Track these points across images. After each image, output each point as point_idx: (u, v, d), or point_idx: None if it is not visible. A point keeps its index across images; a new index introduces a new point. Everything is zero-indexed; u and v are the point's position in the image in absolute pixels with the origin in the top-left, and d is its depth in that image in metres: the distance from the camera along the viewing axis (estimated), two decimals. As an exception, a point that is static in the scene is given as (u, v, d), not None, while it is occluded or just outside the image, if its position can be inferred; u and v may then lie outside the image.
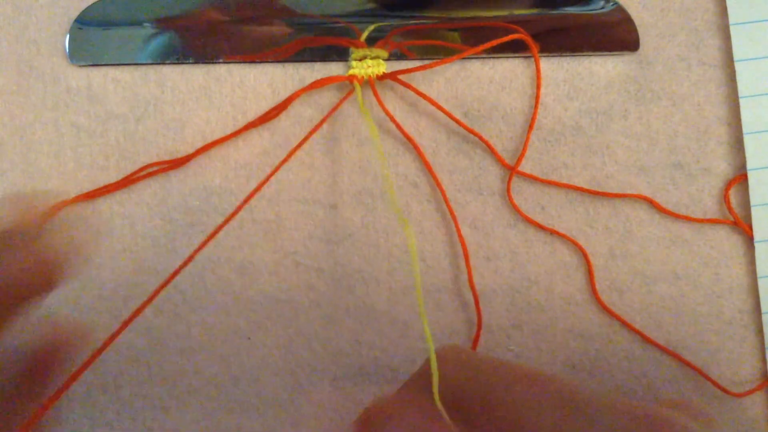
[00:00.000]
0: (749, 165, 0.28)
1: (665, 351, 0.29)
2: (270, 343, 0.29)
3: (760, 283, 0.28)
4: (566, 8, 0.28)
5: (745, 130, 0.28)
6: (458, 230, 0.28)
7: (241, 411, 0.29)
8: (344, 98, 0.28)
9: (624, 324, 0.29)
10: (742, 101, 0.27)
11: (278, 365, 0.29)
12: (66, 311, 0.29)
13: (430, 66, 0.27)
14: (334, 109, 0.28)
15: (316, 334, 0.29)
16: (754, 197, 0.28)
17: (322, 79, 0.28)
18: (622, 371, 0.29)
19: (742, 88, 0.27)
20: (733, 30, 0.27)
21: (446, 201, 0.28)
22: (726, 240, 0.29)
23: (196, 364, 0.29)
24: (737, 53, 0.27)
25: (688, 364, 0.28)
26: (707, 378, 0.28)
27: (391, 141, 0.29)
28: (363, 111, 0.27)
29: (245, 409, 0.29)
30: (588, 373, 0.29)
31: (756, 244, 0.28)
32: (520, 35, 0.27)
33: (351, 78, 0.28)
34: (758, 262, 0.28)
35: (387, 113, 0.28)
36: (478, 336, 0.28)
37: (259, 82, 0.28)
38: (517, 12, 0.28)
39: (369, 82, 0.28)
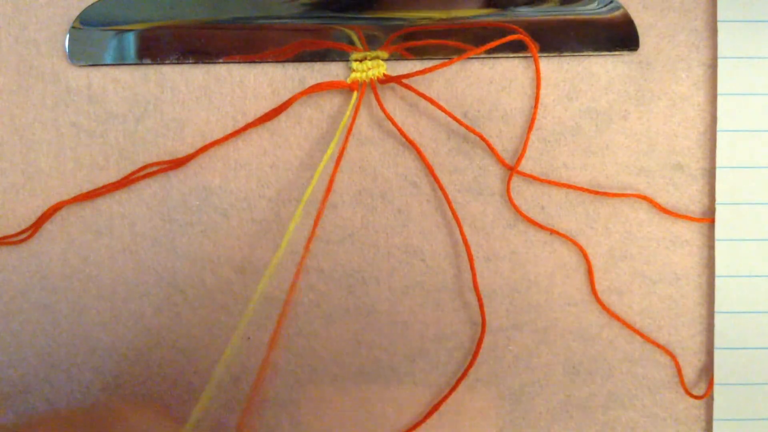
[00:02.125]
0: (719, 163, 0.28)
1: (665, 351, 0.29)
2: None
3: (717, 282, 0.28)
4: (567, 8, 0.28)
5: (719, 127, 0.27)
6: (462, 233, 0.28)
7: (242, 411, 0.29)
8: (353, 105, 0.28)
9: (624, 324, 0.29)
10: (720, 98, 0.27)
11: (278, 365, 0.29)
12: (66, 311, 0.29)
13: (431, 69, 0.27)
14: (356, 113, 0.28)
15: (316, 334, 0.29)
16: (721, 196, 0.28)
17: (321, 83, 0.28)
18: (622, 372, 0.29)
19: (722, 85, 0.27)
20: (720, 27, 0.27)
21: (449, 203, 0.28)
22: (726, 240, 0.28)
23: (196, 364, 0.29)
24: (722, 50, 0.27)
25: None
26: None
27: (392, 141, 0.29)
28: (342, 124, 0.28)
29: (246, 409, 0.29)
30: (588, 373, 0.29)
31: (716, 243, 0.28)
32: (520, 36, 0.27)
33: (351, 86, 0.28)
34: (717, 261, 0.28)
35: (388, 116, 0.28)
36: (481, 339, 0.28)
37: (259, 82, 0.28)
38: (516, 12, 0.28)
39: (370, 85, 0.28)
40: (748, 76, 0.27)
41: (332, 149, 0.28)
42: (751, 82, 0.27)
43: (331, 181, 0.27)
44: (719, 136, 0.27)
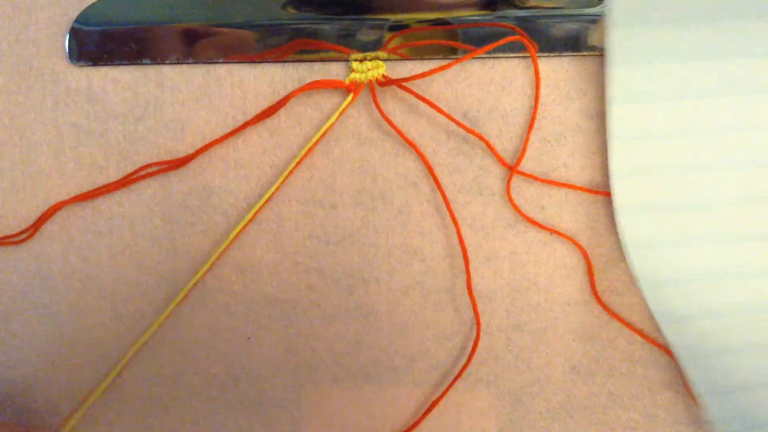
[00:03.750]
0: (610, 135, 0.27)
1: (665, 351, 0.29)
2: (270, 343, 0.29)
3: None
4: (566, 8, 0.28)
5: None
6: (459, 235, 0.28)
7: (241, 411, 0.29)
8: (347, 104, 0.28)
9: (624, 324, 0.29)
10: (612, 69, 0.27)
11: (278, 365, 0.29)
12: (66, 311, 0.29)
13: (430, 73, 0.27)
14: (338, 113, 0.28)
15: (316, 334, 0.29)
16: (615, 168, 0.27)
17: (318, 81, 0.27)
18: (622, 372, 0.29)
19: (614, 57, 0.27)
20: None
21: (447, 205, 0.28)
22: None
23: (196, 364, 0.29)
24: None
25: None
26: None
27: (392, 141, 0.29)
28: (334, 117, 0.28)
29: (245, 409, 0.29)
30: (588, 373, 0.29)
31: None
32: (519, 37, 0.27)
33: (348, 87, 0.28)
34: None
35: (386, 118, 0.28)
36: (477, 341, 0.29)
37: (259, 82, 0.28)
38: (516, 12, 0.28)
39: (369, 86, 0.28)
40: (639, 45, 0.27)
41: (305, 149, 0.28)
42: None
43: (282, 182, 0.28)
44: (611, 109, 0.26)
